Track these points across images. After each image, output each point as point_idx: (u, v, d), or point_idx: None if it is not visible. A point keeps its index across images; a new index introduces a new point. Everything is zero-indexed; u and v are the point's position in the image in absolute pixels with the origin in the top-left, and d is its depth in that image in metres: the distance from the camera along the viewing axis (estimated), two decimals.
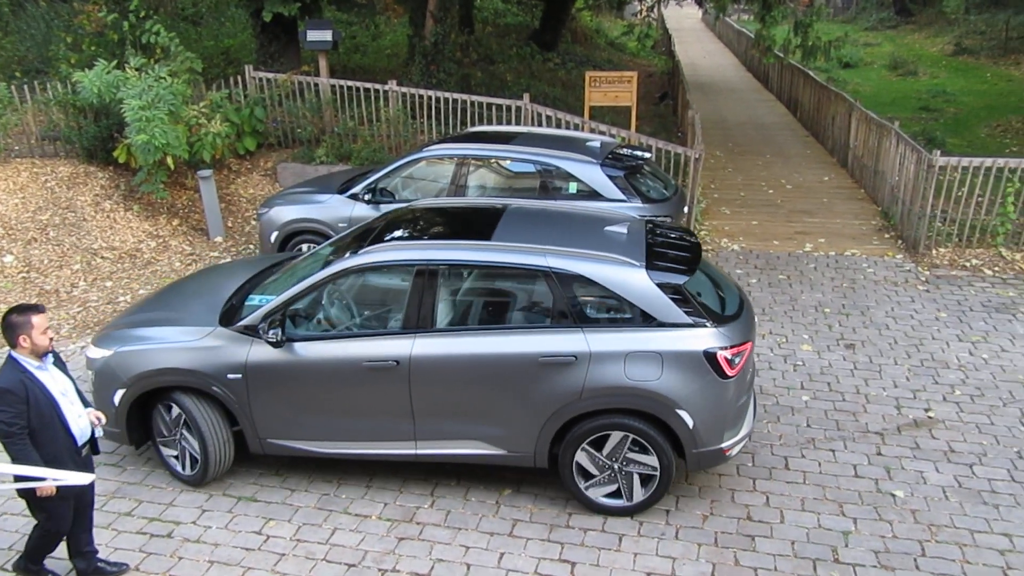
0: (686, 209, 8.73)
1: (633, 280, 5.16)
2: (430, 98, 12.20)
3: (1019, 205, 9.95)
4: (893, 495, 5.61)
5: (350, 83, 12.48)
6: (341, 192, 8.73)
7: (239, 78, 12.53)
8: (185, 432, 5.57)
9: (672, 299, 5.15)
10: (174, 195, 11.22)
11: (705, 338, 5.10)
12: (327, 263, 5.63)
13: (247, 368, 5.36)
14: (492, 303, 5.51)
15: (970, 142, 16.33)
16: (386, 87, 12.23)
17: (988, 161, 9.79)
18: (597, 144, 8.66)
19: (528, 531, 5.29)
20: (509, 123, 11.95)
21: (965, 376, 7.17)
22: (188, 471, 5.69)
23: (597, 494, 5.37)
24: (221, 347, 5.41)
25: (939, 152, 9.77)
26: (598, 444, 5.26)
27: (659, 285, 5.16)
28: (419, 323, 5.27)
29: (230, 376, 5.38)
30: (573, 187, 8.12)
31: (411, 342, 5.23)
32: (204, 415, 5.48)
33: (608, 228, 5.85)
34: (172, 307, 6.11)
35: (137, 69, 10.39)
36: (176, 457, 5.71)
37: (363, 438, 5.48)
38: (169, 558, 5.07)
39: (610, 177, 8.05)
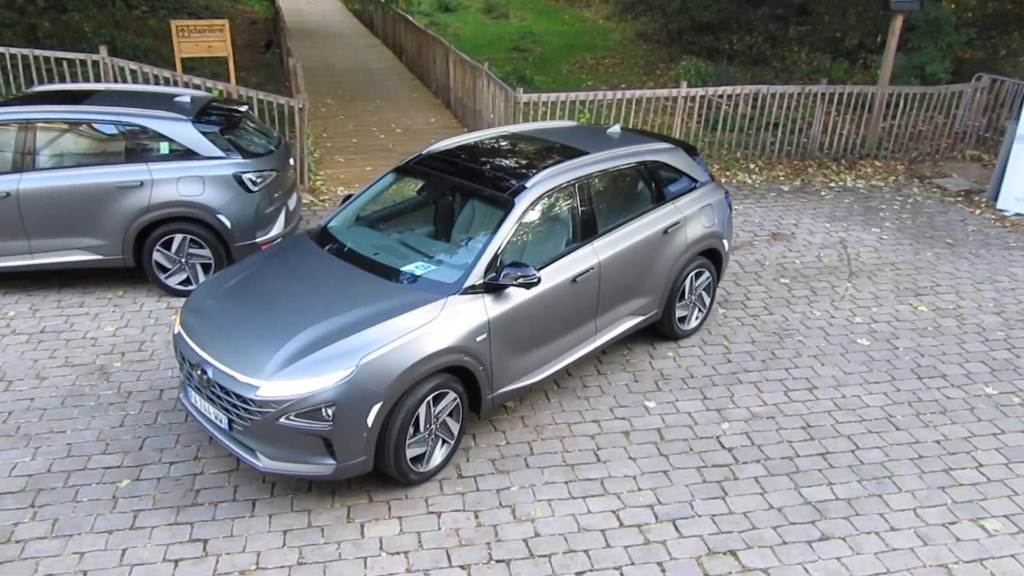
0: (292, 161, 8.57)
1: (684, 158, 7.18)
2: None
3: None
4: (504, 406, 6.20)
5: None
6: None
7: None
8: (442, 423, 5.38)
9: (700, 165, 7.38)
10: None
11: (717, 186, 7.47)
12: (504, 205, 5.69)
13: (491, 323, 5.39)
14: (621, 199, 6.69)
15: (555, 78, 18.17)
16: None
17: (563, 96, 10.98)
18: (187, 99, 8.11)
19: (153, 519, 4.98)
20: (88, 81, 10.74)
21: None
22: (419, 469, 5.33)
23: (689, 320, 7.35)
24: (461, 312, 5.27)
25: (522, 90, 10.73)
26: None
27: (692, 158, 7.29)
28: (590, 230, 6.15)
29: (478, 339, 5.33)
30: (165, 147, 7.54)
31: (591, 247, 6.10)
32: (461, 393, 5.40)
33: (609, 131, 7.36)
34: (330, 309, 5.16)
35: None
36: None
37: (563, 351, 6.08)
38: None
39: (205, 134, 7.60)
